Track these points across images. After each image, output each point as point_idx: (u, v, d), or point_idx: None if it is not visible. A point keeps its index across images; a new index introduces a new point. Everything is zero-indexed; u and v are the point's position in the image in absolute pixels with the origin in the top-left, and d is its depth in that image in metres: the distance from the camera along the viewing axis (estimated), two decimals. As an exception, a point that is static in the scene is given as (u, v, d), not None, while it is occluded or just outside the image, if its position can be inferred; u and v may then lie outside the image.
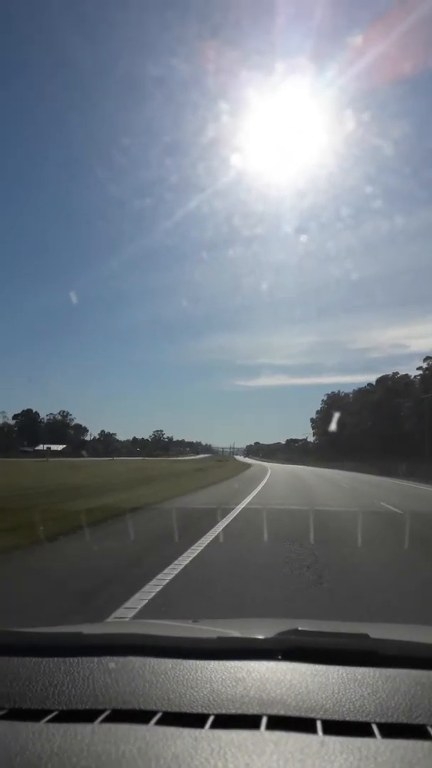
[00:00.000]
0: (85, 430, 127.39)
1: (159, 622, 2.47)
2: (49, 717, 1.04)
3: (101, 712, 1.06)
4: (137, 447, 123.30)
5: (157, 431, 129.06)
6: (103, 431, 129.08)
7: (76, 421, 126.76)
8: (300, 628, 1.35)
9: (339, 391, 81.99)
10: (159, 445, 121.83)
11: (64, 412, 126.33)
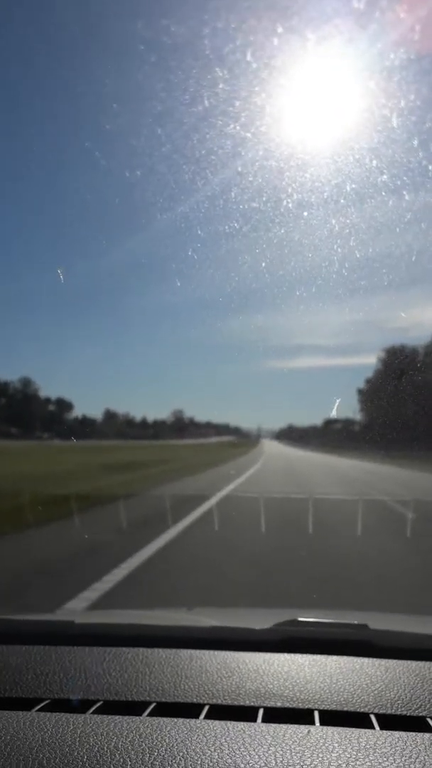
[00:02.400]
0: (69, 407, 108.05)
1: (152, 611, 2.49)
2: (40, 706, 1.04)
3: (94, 702, 1.05)
4: (148, 428, 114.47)
5: (177, 411, 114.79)
6: (107, 410, 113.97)
7: (62, 397, 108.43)
8: (298, 619, 1.33)
9: (403, 345, 62.46)
10: (176, 427, 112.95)
11: (30, 381, 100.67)
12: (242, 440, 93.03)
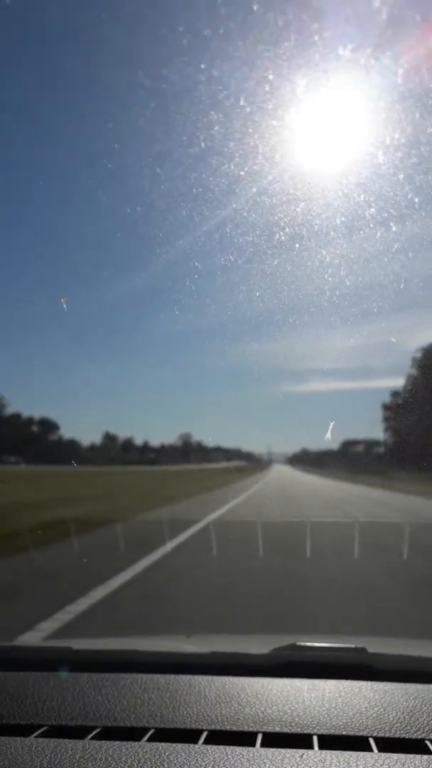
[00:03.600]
0: (54, 427, 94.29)
1: (150, 637, 2.46)
2: (38, 732, 1.03)
3: (92, 728, 1.04)
4: (147, 453, 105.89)
5: (184, 434, 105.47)
6: (107, 433, 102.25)
7: (47, 417, 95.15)
8: (297, 643, 1.33)
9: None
10: (178, 451, 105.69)
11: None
12: (251, 465, 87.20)
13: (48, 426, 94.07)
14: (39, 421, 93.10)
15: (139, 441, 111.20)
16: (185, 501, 17.79)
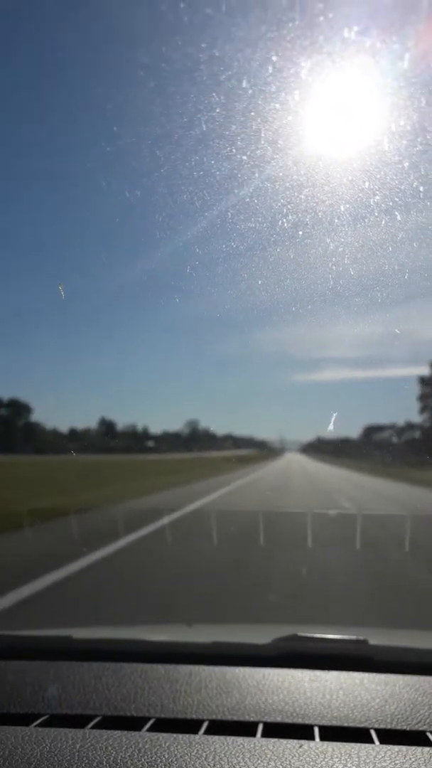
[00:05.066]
0: (27, 410, 78.84)
1: (151, 626, 2.47)
2: (38, 721, 1.03)
3: (92, 717, 1.04)
4: (141, 440, 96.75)
5: (191, 421, 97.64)
6: (102, 419, 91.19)
7: (17, 398, 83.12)
8: (298, 634, 1.32)
9: None
10: (182, 439, 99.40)
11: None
12: (260, 453, 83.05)
13: (19, 408, 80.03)
14: (8, 403, 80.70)
15: (151, 429, 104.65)
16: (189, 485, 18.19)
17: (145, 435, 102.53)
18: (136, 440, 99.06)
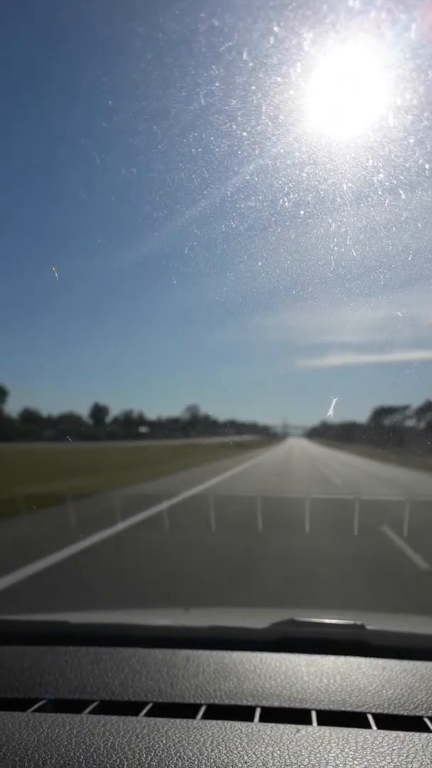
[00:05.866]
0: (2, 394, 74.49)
1: (149, 610, 2.48)
2: (35, 706, 1.03)
3: (90, 702, 1.04)
4: (132, 426, 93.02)
5: (191, 407, 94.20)
6: (95, 404, 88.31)
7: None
8: (296, 619, 1.33)
9: None
10: (180, 425, 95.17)
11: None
12: (263, 439, 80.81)
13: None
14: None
15: (149, 415, 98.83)
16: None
17: (140, 421, 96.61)
18: (129, 426, 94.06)
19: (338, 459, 30.12)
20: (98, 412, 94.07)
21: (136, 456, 32.38)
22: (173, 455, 31.25)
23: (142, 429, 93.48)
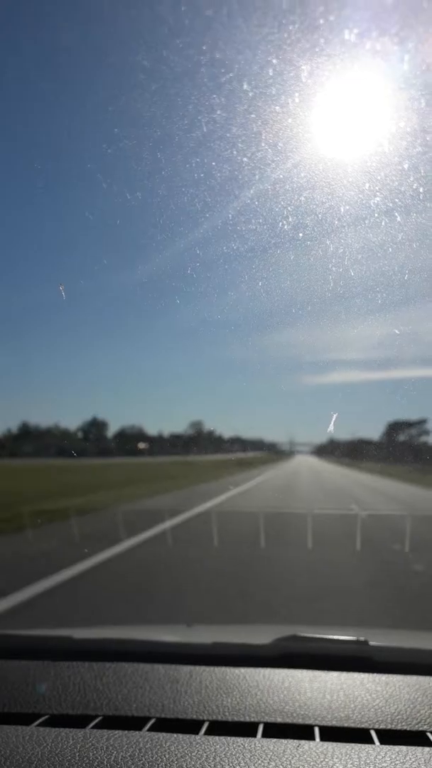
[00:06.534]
0: None
1: (152, 626, 2.47)
2: (39, 721, 1.03)
3: (93, 717, 1.04)
4: (127, 442, 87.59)
5: (195, 422, 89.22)
6: (94, 419, 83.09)
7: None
8: (298, 634, 1.32)
9: None
10: (182, 441, 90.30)
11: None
12: (267, 456, 76.46)
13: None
14: None
15: (150, 431, 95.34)
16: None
17: (139, 436, 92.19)
18: (124, 442, 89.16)
19: (358, 481, 24.80)
20: (92, 427, 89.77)
21: (101, 477, 26.30)
22: (150, 476, 26.19)
23: (141, 445, 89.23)
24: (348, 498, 16.07)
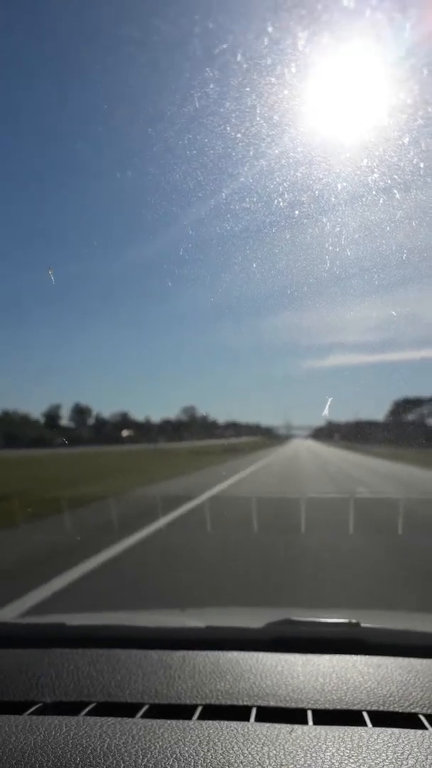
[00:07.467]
0: None
1: (144, 612, 2.50)
2: (32, 709, 1.03)
3: (86, 704, 1.04)
4: (104, 428, 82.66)
5: (188, 408, 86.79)
6: (77, 405, 79.89)
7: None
8: (291, 618, 1.33)
9: None
10: (172, 427, 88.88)
11: None
12: (263, 441, 75.76)
13: None
14: None
15: (137, 416, 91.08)
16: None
17: (122, 423, 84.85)
18: (103, 429, 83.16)
19: (362, 465, 21.42)
20: (79, 413, 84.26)
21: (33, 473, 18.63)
22: (88, 473, 19.17)
23: (125, 432, 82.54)
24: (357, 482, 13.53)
